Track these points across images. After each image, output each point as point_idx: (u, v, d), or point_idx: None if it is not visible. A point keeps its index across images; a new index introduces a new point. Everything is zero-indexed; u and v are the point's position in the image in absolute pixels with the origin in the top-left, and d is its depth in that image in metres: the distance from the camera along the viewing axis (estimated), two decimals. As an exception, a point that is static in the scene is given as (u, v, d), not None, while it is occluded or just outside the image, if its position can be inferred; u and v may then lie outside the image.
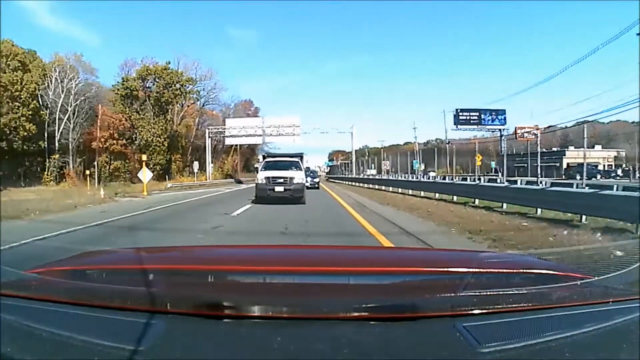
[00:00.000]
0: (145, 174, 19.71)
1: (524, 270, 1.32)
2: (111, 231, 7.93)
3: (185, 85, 32.73)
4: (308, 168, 21.63)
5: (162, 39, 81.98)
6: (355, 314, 0.86)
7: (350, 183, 32.10)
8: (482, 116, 29.83)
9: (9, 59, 27.67)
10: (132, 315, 0.83)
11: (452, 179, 20.29)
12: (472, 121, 30.44)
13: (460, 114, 30.04)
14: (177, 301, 0.90)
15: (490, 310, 0.87)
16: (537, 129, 25.45)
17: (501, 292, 0.96)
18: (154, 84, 30.99)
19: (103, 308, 0.87)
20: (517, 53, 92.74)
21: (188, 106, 33.16)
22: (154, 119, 30.70)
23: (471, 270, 1.23)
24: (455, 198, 13.96)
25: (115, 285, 1.07)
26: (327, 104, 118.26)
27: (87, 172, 26.48)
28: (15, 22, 50.20)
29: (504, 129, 28.54)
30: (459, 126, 30.48)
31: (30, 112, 27.69)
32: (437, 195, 15.76)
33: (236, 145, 38.41)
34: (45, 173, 29.15)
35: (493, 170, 23.56)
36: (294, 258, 1.65)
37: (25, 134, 27.08)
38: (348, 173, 42.37)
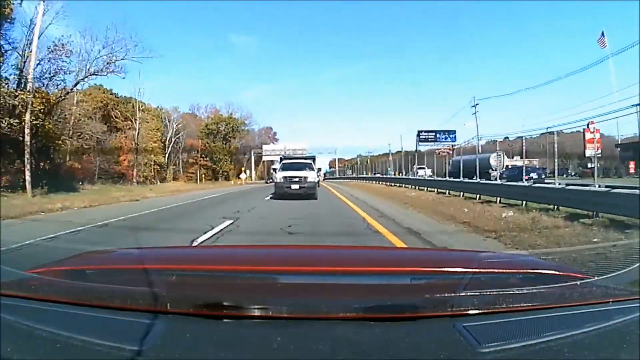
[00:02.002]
0: (243, 176, 45.98)
1: (524, 270, 1.32)
2: (259, 188, 26.40)
3: (239, 127, 59.26)
4: (320, 169, 26.58)
5: (163, 41, 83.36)
6: (355, 314, 0.85)
7: (337, 181, 49.75)
8: (438, 135, 40.41)
9: (147, 113, 45.02)
10: (132, 315, 0.83)
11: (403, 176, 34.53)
12: (429, 139, 40.56)
13: (421, 134, 40.61)
14: (177, 301, 0.90)
15: (490, 310, 0.87)
16: (449, 149, 35.99)
17: (501, 292, 0.96)
18: (223, 127, 56.78)
19: (103, 308, 0.87)
20: (513, 57, 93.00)
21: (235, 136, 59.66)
22: (222, 145, 55.85)
23: (471, 270, 1.23)
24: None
25: (115, 285, 1.06)
26: (326, 107, 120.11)
27: (202, 175, 50.42)
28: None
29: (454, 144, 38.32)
30: (420, 143, 40.94)
31: (162, 144, 47.24)
32: (389, 183, 28.96)
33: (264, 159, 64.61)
34: (167, 176, 48.42)
35: (425, 172, 33.77)
36: (294, 258, 1.64)
37: (163, 157, 46.77)
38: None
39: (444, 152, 35.90)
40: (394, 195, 17.90)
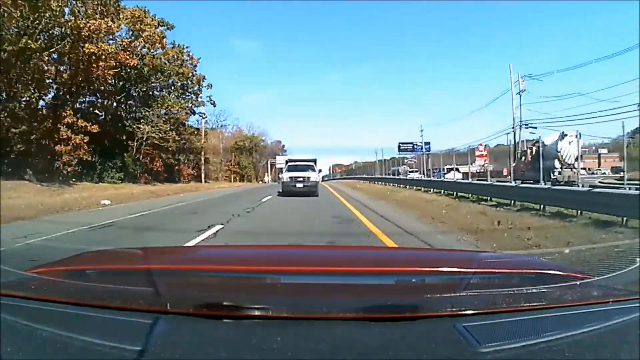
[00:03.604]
0: (266, 178, 62.10)
1: (524, 270, 1.32)
2: (272, 186, 32.53)
3: (259, 142, 74.71)
4: (320, 170, 30.99)
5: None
6: (355, 314, 0.85)
7: (331, 181, 61.47)
8: (415, 146, 47.99)
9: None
10: (132, 315, 0.83)
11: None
12: (408, 149, 48.45)
13: (401, 145, 48.93)
14: (177, 301, 0.90)
15: (490, 310, 0.87)
16: (414, 159, 44.53)
17: (501, 292, 0.96)
18: (248, 143, 71.97)
19: (103, 308, 0.86)
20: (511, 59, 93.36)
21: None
22: (247, 157, 70.86)
23: (471, 270, 1.23)
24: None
25: (115, 285, 1.06)
26: (326, 111, 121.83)
27: (234, 178, 64.32)
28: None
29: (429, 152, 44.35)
30: (400, 152, 48.83)
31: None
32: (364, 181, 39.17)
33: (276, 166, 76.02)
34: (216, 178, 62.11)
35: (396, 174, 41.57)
36: (294, 258, 1.65)
37: (213, 166, 59.25)
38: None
39: (411, 161, 45.32)
40: (353, 186, 30.11)
